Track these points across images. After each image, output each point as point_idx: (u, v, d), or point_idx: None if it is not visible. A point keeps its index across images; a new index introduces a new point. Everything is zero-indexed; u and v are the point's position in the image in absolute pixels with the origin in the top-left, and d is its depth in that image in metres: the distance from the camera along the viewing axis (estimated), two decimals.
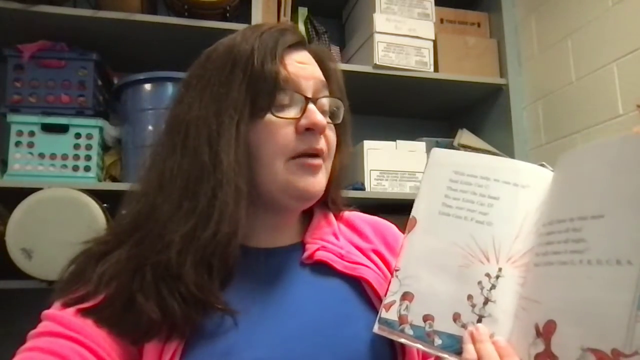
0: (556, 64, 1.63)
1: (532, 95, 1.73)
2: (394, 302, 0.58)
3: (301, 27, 1.72)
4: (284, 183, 0.59)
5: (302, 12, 1.74)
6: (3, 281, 1.30)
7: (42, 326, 0.53)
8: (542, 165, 0.58)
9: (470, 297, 0.54)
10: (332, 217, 0.70)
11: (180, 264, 0.53)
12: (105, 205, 1.29)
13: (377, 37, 1.61)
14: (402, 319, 0.56)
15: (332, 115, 0.64)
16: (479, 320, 0.52)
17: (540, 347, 0.48)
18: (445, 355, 0.53)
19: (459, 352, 0.52)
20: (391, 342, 0.60)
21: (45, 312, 0.54)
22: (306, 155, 0.59)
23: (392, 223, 0.76)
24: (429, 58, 1.66)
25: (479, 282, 0.54)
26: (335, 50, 1.79)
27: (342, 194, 0.72)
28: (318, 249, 0.63)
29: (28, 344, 0.51)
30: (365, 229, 0.71)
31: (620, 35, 1.38)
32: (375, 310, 0.60)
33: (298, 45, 0.63)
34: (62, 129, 1.39)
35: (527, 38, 1.76)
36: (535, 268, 0.52)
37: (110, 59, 1.54)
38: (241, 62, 0.58)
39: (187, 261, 0.53)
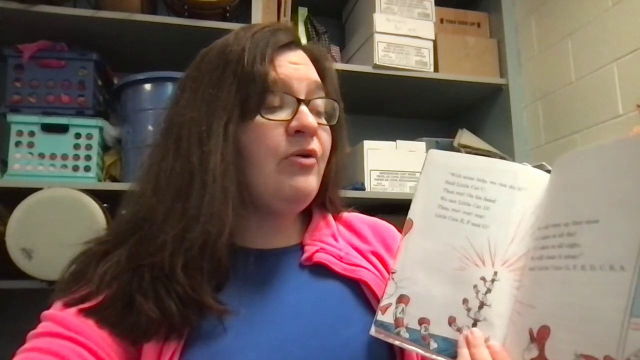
0: (556, 64, 1.63)
1: (532, 95, 1.73)
2: (390, 304, 0.58)
3: (301, 27, 1.72)
4: (275, 184, 0.58)
5: (302, 12, 1.74)
6: (3, 281, 1.30)
7: (42, 327, 0.53)
8: (541, 165, 0.57)
9: (465, 300, 0.53)
10: (330, 218, 0.70)
11: (173, 265, 0.53)
12: (105, 205, 1.29)
13: (377, 37, 1.61)
14: (397, 322, 0.56)
15: (327, 116, 0.63)
16: (474, 324, 0.52)
17: (534, 353, 0.47)
18: (441, 359, 0.53)
19: (454, 356, 0.52)
20: (389, 345, 0.60)
21: (45, 312, 0.54)
22: (297, 156, 0.59)
23: (392, 223, 0.76)
24: (429, 58, 1.66)
25: (475, 286, 0.53)
26: (335, 50, 1.79)
27: (340, 195, 0.71)
28: (317, 251, 0.63)
29: (28, 345, 0.51)
30: (364, 231, 0.71)
31: (620, 35, 1.38)
32: (374, 312, 0.60)
33: (292, 45, 0.62)
34: (62, 129, 1.39)
35: (527, 38, 1.76)
36: (530, 272, 0.51)
37: (110, 59, 1.54)
38: (232, 63, 0.58)
39: (178, 262, 0.53)
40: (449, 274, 0.55)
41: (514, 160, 1.60)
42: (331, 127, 0.64)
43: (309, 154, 0.59)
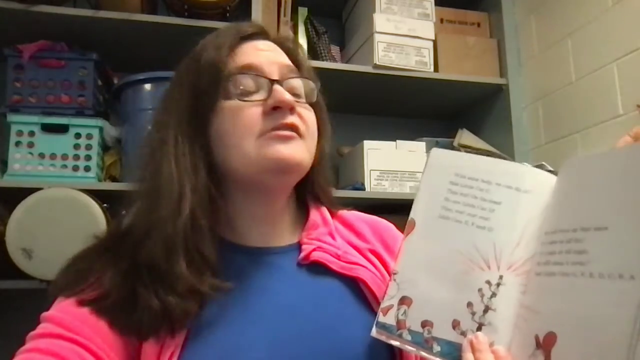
0: (556, 64, 1.63)
1: (532, 95, 1.73)
2: (391, 306, 0.57)
3: (301, 27, 1.72)
4: (257, 159, 0.58)
5: (302, 12, 1.74)
6: (3, 281, 1.30)
7: (42, 327, 0.53)
8: (541, 165, 0.57)
9: (470, 304, 0.53)
10: (328, 215, 0.70)
11: (155, 254, 0.55)
12: (105, 205, 1.29)
13: (377, 37, 1.61)
14: (400, 324, 0.56)
15: (306, 98, 0.64)
16: (479, 328, 0.51)
17: (540, 359, 0.47)
18: None
19: (457, 359, 0.51)
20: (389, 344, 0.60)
21: (45, 314, 0.54)
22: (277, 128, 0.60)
23: (392, 223, 0.76)
24: (429, 58, 1.66)
25: (480, 289, 0.52)
26: (335, 50, 1.79)
27: (328, 178, 0.72)
28: (314, 250, 0.63)
29: (27, 345, 0.51)
30: (362, 229, 0.71)
31: (620, 35, 1.38)
32: (372, 310, 0.60)
33: (258, 36, 0.65)
34: (62, 129, 1.39)
35: (527, 38, 1.76)
36: (536, 277, 0.51)
37: (110, 59, 1.54)
38: (192, 62, 0.63)
39: (158, 250, 0.55)
40: (453, 276, 0.54)
41: (514, 161, 1.60)
42: (314, 108, 0.64)
43: (288, 128, 0.59)
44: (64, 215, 1.22)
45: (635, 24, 1.34)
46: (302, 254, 0.63)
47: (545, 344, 0.47)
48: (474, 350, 0.50)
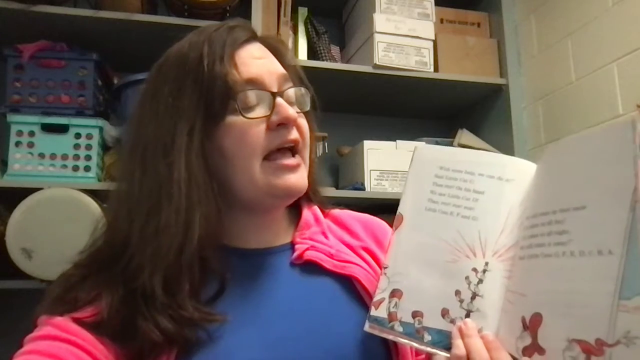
0: (556, 64, 1.63)
1: (532, 95, 1.73)
2: (383, 299, 0.58)
3: (301, 27, 1.72)
4: (265, 185, 0.58)
5: (302, 12, 1.74)
6: (3, 281, 1.30)
7: (39, 330, 0.53)
8: None
9: (458, 292, 0.54)
10: (319, 213, 0.70)
11: (153, 286, 0.52)
12: (105, 205, 1.29)
13: (377, 37, 1.61)
14: (391, 316, 0.57)
15: (298, 103, 0.63)
16: (467, 315, 0.53)
17: (528, 340, 0.48)
18: (435, 351, 0.54)
19: (448, 347, 0.53)
20: (384, 339, 0.60)
21: (42, 317, 0.54)
22: (281, 152, 0.59)
23: (392, 223, 0.76)
24: (429, 58, 1.66)
25: (467, 277, 0.54)
26: (335, 50, 1.79)
27: (319, 178, 0.72)
28: (307, 249, 0.63)
29: (26, 347, 0.51)
30: (355, 227, 0.72)
31: (620, 35, 1.38)
32: (366, 308, 0.60)
33: (250, 39, 0.62)
34: (62, 129, 1.39)
35: (527, 38, 1.76)
36: (520, 261, 0.52)
37: (110, 59, 1.54)
38: (192, 70, 0.58)
39: (158, 282, 0.52)
40: (441, 266, 0.56)
41: None
42: (305, 115, 0.64)
43: (291, 146, 0.60)
44: (64, 215, 1.22)
45: (635, 24, 1.34)
46: (296, 254, 0.63)
47: (532, 325, 0.48)
48: (463, 336, 0.52)
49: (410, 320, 0.56)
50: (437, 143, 1.73)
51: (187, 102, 0.57)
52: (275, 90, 0.60)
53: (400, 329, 0.56)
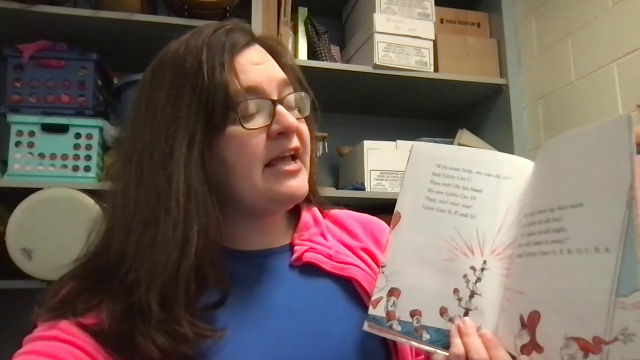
0: (556, 64, 1.63)
1: (532, 95, 1.73)
2: (381, 298, 0.58)
3: (301, 27, 1.72)
4: (267, 192, 0.58)
5: (302, 12, 1.74)
6: (3, 281, 1.30)
7: (38, 331, 0.53)
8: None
9: (456, 290, 0.54)
10: (318, 214, 0.70)
11: (149, 302, 0.51)
12: (105, 205, 1.29)
13: (377, 37, 1.61)
14: (389, 315, 0.57)
15: (298, 108, 0.62)
16: (466, 314, 0.53)
17: (526, 338, 0.48)
18: (434, 350, 0.54)
19: (447, 346, 0.53)
20: (383, 340, 0.60)
21: (40, 318, 0.54)
22: (282, 159, 0.58)
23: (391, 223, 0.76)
24: (429, 58, 1.66)
25: (465, 276, 0.54)
26: (335, 50, 1.79)
27: (315, 179, 0.70)
28: (306, 251, 0.63)
29: (25, 348, 0.51)
30: (354, 227, 0.71)
31: (620, 35, 1.38)
32: (365, 309, 0.60)
33: (248, 43, 0.60)
34: (62, 129, 1.39)
35: (527, 38, 1.76)
36: (518, 259, 0.52)
37: (110, 59, 1.54)
38: (190, 77, 0.56)
39: (154, 298, 0.51)
40: (439, 265, 0.56)
41: None
42: (305, 119, 0.63)
43: (292, 153, 0.59)
44: (64, 215, 1.22)
45: (635, 24, 1.34)
46: (295, 256, 0.63)
47: (530, 323, 0.48)
48: (461, 335, 0.51)
49: (409, 319, 0.56)
50: (437, 143, 1.73)
51: (185, 110, 0.55)
52: (275, 97, 0.58)
53: (399, 328, 0.56)
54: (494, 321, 0.52)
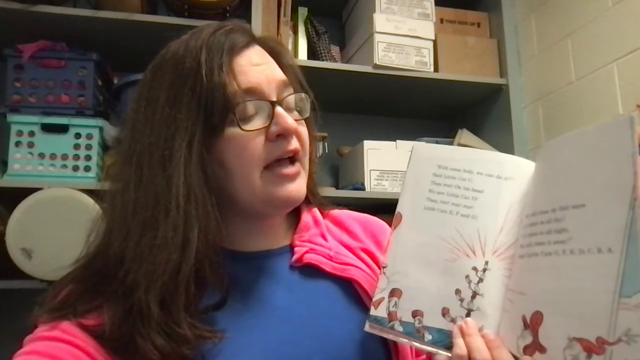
0: (556, 64, 1.63)
1: (532, 95, 1.73)
2: (382, 299, 0.58)
3: (301, 27, 1.72)
4: (265, 195, 0.58)
5: (302, 12, 1.74)
6: (3, 281, 1.30)
7: (39, 331, 0.53)
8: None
9: (458, 291, 0.54)
10: (318, 215, 0.70)
11: (148, 303, 0.51)
12: (104, 205, 1.29)
13: (377, 37, 1.61)
14: (391, 316, 0.57)
15: (298, 109, 0.62)
16: (468, 314, 0.53)
17: (529, 339, 0.48)
18: (436, 351, 0.54)
19: (449, 346, 0.53)
20: (384, 341, 0.60)
21: (40, 319, 0.53)
22: (280, 162, 0.58)
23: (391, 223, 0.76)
24: (429, 58, 1.66)
25: (467, 276, 0.54)
26: (335, 50, 1.79)
27: (315, 179, 0.70)
28: (306, 252, 0.63)
29: (26, 348, 0.51)
30: (354, 227, 0.71)
31: (620, 35, 1.38)
32: (366, 310, 0.60)
33: (248, 44, 0.60)
34: (62, 129, 1.39)
35: (527, 38, 1.76)
36: (520, 260, 0.52)
37: (110, 59, 1.54)
38: (189, 78, 0.55)
39: (154, 299, 0.51)
40: (441, 265, 0.56)
41: None
42: (305, 120, 0.62)
43: (291, 155, 0.59)
44: (64, 215, 1.22)
45: (635, 24, 1.34)
46: (295, 257, 0.63)
47: (533, 323, 0.48)
48: (464, 335, 0.51)
49: (410, 319, 0.56)
50: (437, 143, 1.73)
51: (185, 111, 0.55)
52: (274, 98, 0.58)
53: (401, 329, 0.56)
54: (496, 322, 0.52)
